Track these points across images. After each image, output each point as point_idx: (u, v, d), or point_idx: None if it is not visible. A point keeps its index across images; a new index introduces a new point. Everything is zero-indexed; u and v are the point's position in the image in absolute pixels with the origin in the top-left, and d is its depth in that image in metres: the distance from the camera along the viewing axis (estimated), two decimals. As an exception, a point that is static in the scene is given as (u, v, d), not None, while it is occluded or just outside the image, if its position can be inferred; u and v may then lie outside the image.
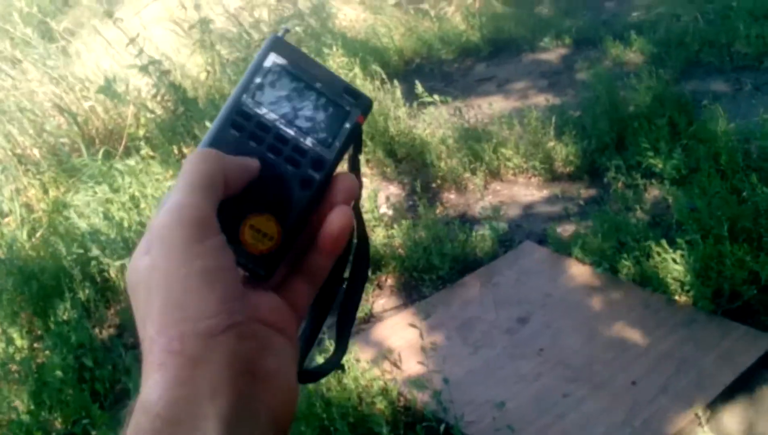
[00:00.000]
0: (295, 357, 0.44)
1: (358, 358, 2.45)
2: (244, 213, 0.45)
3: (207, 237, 0.40)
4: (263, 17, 5.85)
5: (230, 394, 0.38)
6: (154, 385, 0.38)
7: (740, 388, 2.31)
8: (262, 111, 0.46)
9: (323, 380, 2.36)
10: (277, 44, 0.47)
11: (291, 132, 0.46)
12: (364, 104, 0.48)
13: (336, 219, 0.45)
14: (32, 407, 2.54)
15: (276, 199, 0.45)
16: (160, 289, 0.39)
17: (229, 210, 0.43)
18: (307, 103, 0.47)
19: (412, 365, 2.52)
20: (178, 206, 0.40)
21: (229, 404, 0.38)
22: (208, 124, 3.99)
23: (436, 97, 4.07)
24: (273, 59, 0.47)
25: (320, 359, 2.03)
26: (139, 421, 0.37)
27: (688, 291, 2.66)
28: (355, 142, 0.48)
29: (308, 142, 0.46)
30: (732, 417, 2.25)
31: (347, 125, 0.47)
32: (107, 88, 4.49)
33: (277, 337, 0.43)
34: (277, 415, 0.41)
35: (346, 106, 0.47)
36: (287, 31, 0.49)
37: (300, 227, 0.46)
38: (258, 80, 0.46)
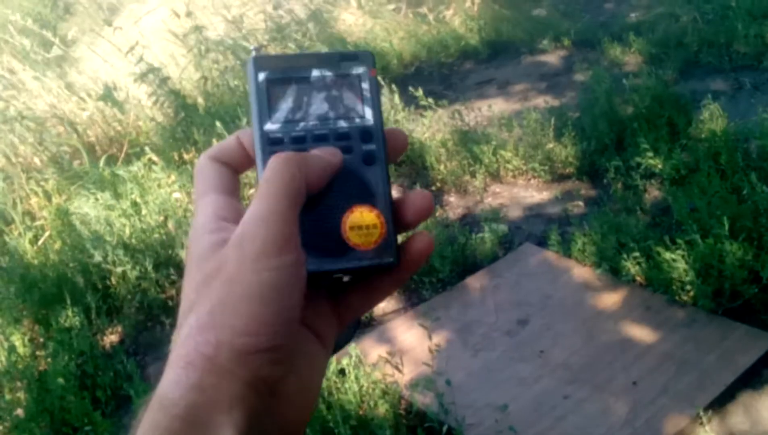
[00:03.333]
0: (324, 365, 0.44)
1: (359, 361, 2.45)
2: (337, 222, 0.44)
3: (284, 252, 0.39)
4: (259, 25, 5.87)
5: (247, 410, 0.38)
6: (177, 381, 0.38)
7: (741, 387, 2.31)
8: (288, 127, 0.46)
9: (323, 385, 2.36)
10: (258, 62, 0.47)
11: (325, 127, 0.46)
12: (367, 58, 0.47)
13: (418, 244, 0.44)
14: (34, 414, 2.55)
15: (353, 191, 0.44)
16: (221, 289, 0.39)
17: (322, 230, 0.43)
18: (319, 93, 0.46)
19: (414, 368, 2.52)
20: (262, 217, 0.39)
21: (246, 418, 0.38)
22: (218, 124, 3.99)
23: (430, 100, 4.07)
24: (264, 76, 0.46)
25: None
26: (156, 417, 0.38)
27: (688, 291, 2.65)
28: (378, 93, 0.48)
29: (345, 124, 0.46)
30: (733, 417, 2.24)
31: (365, 85, 0.47)
32: (107, 96, 4.51)
33: (313, 343, 0.43)
34: (291, 431, 0.41)
35: (353, 71, 0.47)
36: (258, 48, 0.50)
37: (389, 198, 0.45)
38: (265, 103, 0.46)
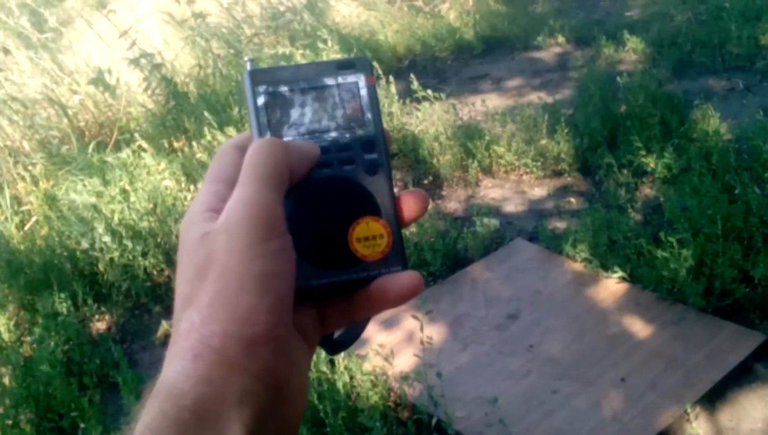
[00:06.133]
0: (309, 365, 0.45)
1: (349, 353, 2.44)
2: (343, 234, 0.44)
3: (272, 237, 0.39)
4: (255, 12, 5.82)
5: (256, 406, 0.38)
6: (184, 373, 0.37)
7: (729, 385, 2.33)
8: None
9: (314, 375, 2.35)
10: (254, 75, 0.46)
11: (326, 139, 0.45)
12: (364, 66, 0.47)
13: (404, 282, 0.43)
14: (19, 400, 2.52)
15: (358, 202, 0.44)
16: (216, 281, 0.38)
17: (328, 242, 0.43)
18: (317, 104, 0.46)
19: (404, 360, 2.51)
20: (248, 201, 0.39)
21: (254, 414, 0.38)
22: (206, 114, 3.97)
23: (429, 92, 4.07)
24: (261, 90, 0.46)
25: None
26: (164, 407, 0.37)
27: (678, 289, 2.66)
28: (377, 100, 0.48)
29: (346, 134, 0.46)
30: (720, 414, 2.26)
31: (363, 93, 0.46)
32: (99, 79, 4.45)
33: (301, 343, 0.43)
34: (290, 426, 0.41)
35: (350, 79, 0.47)
36: (251, 60, 0.48)
37: (394, 206, 0.45)
38: (264, 117, 0.45)
